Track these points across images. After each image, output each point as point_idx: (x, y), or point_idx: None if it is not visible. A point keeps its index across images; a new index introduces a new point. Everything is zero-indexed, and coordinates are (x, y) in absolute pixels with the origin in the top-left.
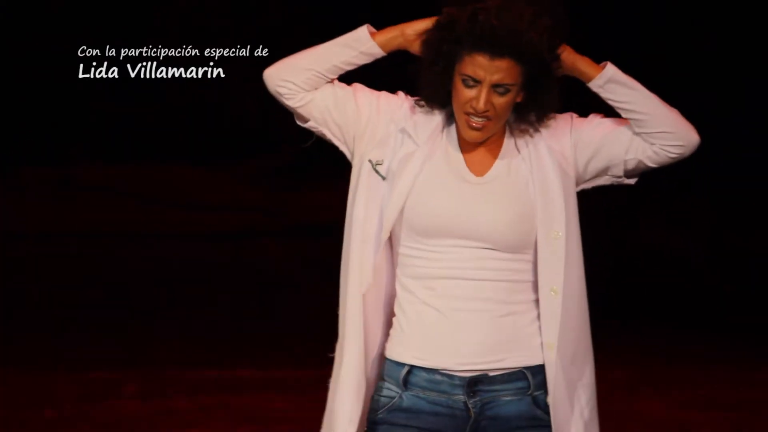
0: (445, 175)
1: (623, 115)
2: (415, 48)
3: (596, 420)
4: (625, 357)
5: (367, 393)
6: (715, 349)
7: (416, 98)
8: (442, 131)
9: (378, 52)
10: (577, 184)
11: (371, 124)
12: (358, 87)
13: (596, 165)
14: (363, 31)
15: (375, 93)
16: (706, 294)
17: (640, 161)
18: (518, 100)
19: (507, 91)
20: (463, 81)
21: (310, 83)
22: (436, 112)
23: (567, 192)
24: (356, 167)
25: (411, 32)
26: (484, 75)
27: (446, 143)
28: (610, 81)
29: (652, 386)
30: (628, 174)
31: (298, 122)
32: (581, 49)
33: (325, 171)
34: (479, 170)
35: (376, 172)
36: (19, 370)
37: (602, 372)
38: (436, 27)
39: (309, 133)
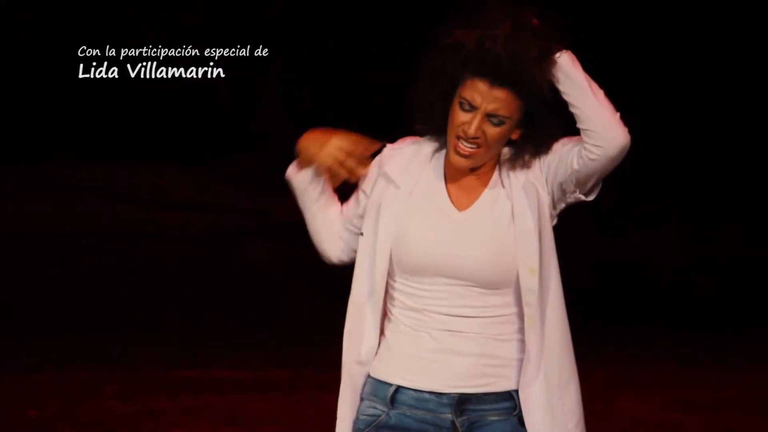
0: (426, 211)
1: (569, 108)
2: (311, 166)
3: None
4: (606, 358)
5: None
6: (697, 350)
7: (400, 142)
8: (429, 162)
9: (307, 177)
10: (554, 207)
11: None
12: (348, 204)
13: (555, 182)
14: (289, 178)
15: (357, 191)
16: (687, 295)
17: (574, 169)
18: (513, 137)
19: (501, 122)
20: (460, 104)
21: (329, 238)
22: (423, 145)
23: (543, 226)
24: None
25: (300, 162)
26: (481, 102)
27: (431, 175)
28: (560, 71)
29: (633, 387)
30: (579, 186)
31: None
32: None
33: None
34: (463, 203)
35: (361, 234)
36: (2, 371)
37: (583, 373)
38: (444, 48)
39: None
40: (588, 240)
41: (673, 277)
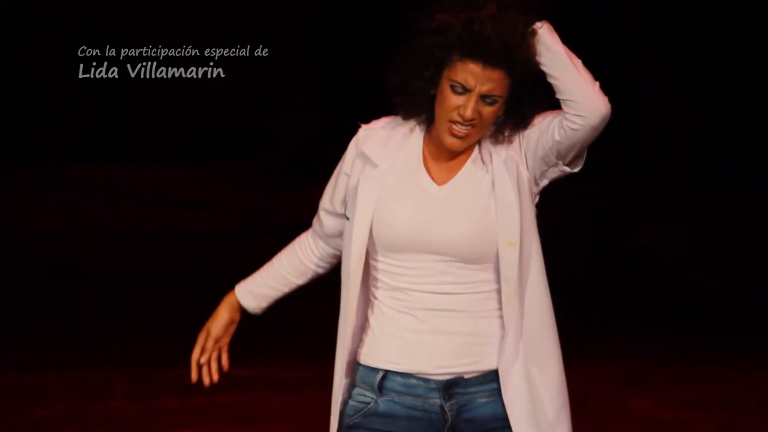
0: (405, 187)
1: (548, 78)
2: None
3: (565, 422)
4: (617, 356)
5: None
6: (702, 350)
7: (375, 122)
8: (408, 139)
9: (263, 300)
10: (536, 183)
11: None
12: (322, 203)
13: (536, 155)
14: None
15: (331, 182)
16: (688, 295)
17: (556, 140)
18: (499, 113)
19: (494, 102)
20: (452, 87)
21: (318, 260)
22: (400, 123)
23: (523, 201)
24: None
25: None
26: (475, 84)
27: (409, 152)
28: (540, 43)
29: (643, 386)
30: (561, 158)
31: None
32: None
33: (319, 171)
34: (442, 178)
35: (347, 218)
36: (11, 371)
37: (594, 371)
38: (429, 32)
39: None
40: (587, 239)
41: (672, 277)
